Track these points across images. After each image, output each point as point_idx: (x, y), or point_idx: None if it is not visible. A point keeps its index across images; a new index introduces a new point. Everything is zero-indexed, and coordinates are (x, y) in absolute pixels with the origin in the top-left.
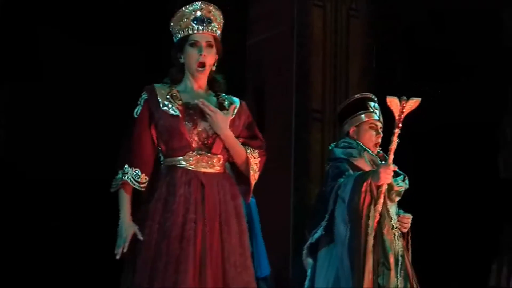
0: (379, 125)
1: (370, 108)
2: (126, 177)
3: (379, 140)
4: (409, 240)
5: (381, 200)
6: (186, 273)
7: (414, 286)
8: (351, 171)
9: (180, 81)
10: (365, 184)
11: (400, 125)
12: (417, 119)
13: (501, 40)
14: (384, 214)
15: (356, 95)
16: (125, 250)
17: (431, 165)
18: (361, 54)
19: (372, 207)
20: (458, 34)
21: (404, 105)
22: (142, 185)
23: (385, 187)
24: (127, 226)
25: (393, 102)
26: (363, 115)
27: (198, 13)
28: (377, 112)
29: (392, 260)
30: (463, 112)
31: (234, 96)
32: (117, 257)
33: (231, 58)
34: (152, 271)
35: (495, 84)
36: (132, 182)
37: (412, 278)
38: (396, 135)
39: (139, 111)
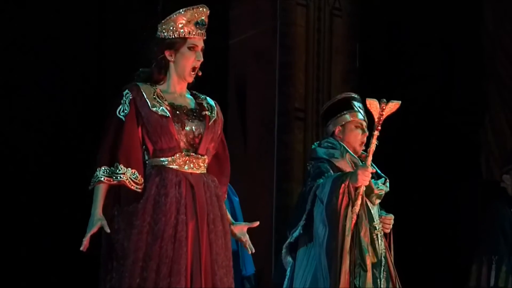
0: (364, 124)
1: (354, 108)
2: (123, 177)
3: (365, 139)
4: (391, 241)
5: (359, 202)
6: (180, 275)
7: (397, 286)
8: (331, 172)
9: (161, 80)
10: (343, 185)
11: (379, 127)
12: (400, 120)
13: (482, 41)
14: (361, 216)
15: (340, 95)
16: (84, 241)
17: (413, 167)
18: (344, 53)
19: (350, 208)
20: (441, 33)
21: (384, 107)
22: (139, 187)
23: (363, 189)
24: (96, 219)
25: (372, 104)
26: (348, 115)
27: (201, 17)
28: (362, 111)
29: (368, 261)
30: (445, 113)
31: (216, 94)
32: (81, 248)
33: (213, 57)
34: (143, 271)
35: (477, 86)
36: (131, 184)
37: (395, 278)
38: (375, 137)
39: (126, 111)
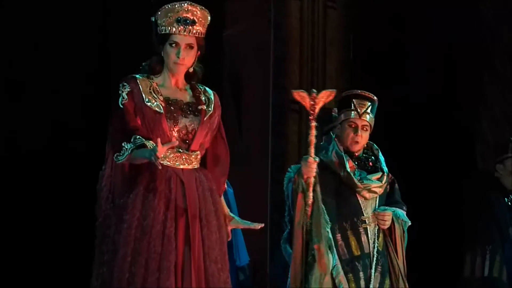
0: (362, 123)
1: (352, 106)
2: (144, 141)
3: (359, 139)
4: (396, 236)
5: (310, 194)
6: (169, 271)
7: (400, 281)
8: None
9: (159, 72)
10: (295, 178)
11: (312, 117)
12: (394, 112)
13: (477, 32)
14: (315, 207)
15: (346, 92)
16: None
17: (407, 158)
18: (338, 45)
19: (303, 201)
20: (436, 24)
21: (315, 98)
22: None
23: (311, 180)
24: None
25: (301, 96)
26: (342, 114)
27: (182, 14)
28: (362, 109)
29: (321, 251)
30: (440, 104)
31: (210, 87)
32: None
33: (207, 50)
34: (131, 266)
35: (471, 76)
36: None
37: (396, 273)
38: (312, 128)
39: (124, 101)
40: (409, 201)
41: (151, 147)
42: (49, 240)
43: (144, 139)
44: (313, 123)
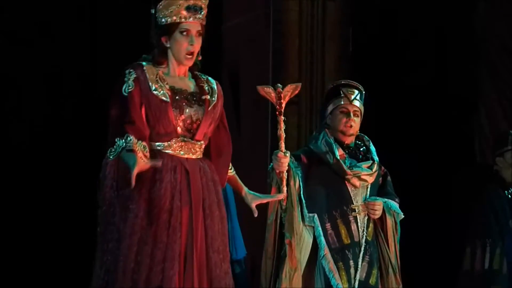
0: (353, 108)
1: (341, 94)
2: (134, 147)
3: (352, 123)
4: (387, 226)
5: (284, 188)
6: (174, 260)
7: (390, 271)
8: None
9: (162, 63)
10: (269, 173)
11: (280, 112)
12: (393, 106)
13: (475, 27)
14: (289, 200)
15: (333, 83)
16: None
17: (407, 151)
18: (337, 38)
19: (277, 194)
20: (436, 19)
21: (280, 93)
22: (147, 160)
23: (284, 174)
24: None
25: (266, 91)
26: (331, 103)
27: (191, 1)
28: (351, 96)
29: (292, 244)
30: (439, 98)
31: None
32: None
33: (206, 42)
34: (137, 256)
35: (470, 71)
36: (141, 156)
37: (386, 263)
38: (281, 122)
39: (130, 89)
40: (409, 194)
41: (141, 150)
42: (49, 236)
43: (136, 139)
44: (281, 118)
